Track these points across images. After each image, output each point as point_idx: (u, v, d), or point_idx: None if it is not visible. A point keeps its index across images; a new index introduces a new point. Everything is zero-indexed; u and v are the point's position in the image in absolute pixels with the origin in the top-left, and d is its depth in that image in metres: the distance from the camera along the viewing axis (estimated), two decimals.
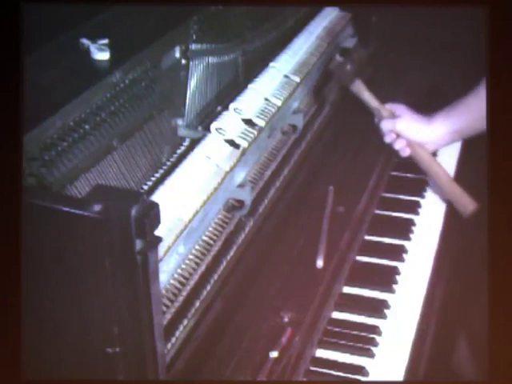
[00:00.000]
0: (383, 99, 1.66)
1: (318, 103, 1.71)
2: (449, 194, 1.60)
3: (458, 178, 1.65)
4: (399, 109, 1.63)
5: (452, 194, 1.59)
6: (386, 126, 1.62)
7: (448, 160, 1.76)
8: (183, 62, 1.35)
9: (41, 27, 1.16)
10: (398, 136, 1.61)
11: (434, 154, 1.68)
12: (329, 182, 1.56)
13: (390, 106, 1.64)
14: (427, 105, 1.94)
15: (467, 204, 1.54)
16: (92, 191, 0.89)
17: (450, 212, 1.66)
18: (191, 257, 1.20)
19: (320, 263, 1.37)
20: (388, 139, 1.63)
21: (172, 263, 1.14)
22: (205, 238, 1.25)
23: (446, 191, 1.61)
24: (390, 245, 1.55)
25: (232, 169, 1.29)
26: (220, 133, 1.33)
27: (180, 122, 1.37)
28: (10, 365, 0.88)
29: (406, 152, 1.62)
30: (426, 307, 1.43)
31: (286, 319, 1.24)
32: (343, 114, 1.77)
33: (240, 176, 1.34)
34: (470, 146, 1.80)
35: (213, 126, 1.33)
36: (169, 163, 1.33)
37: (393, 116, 1.62)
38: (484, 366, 1.01)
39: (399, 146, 1.62)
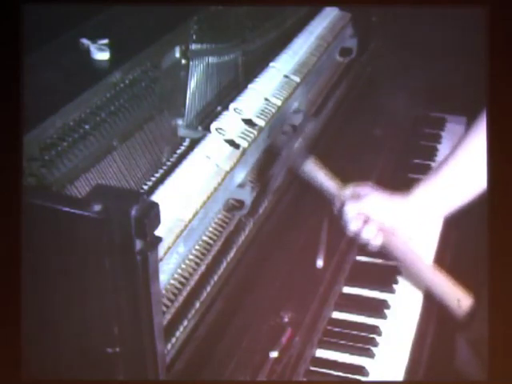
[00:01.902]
0: (383, 99, 1.66)
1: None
2: (434, 289, 1.33)
3: None
4: (365, 189, 1.36)
5: (438, 288, 1.31)
6: (349, 210, 1.34)
7: None
8: (183, 61, 1.35)
9: (41, 27, 1.16)
10: (366, 222, 1.34)
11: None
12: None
13: (352, 188, 1.37)
14: (426, 106, 1.94)
15: (460, 299, 1.27)
16: (92, 191, 0.89)
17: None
18: (191, 257, 1.20)
19: (320, 263, 1.37)
20: (353, 226, 1.34)
21: (172, 263, 1.14)
22: (205, 237, 1.25)
23: (431, 286, 1.34)
24: None
25: (232, 169, 1.29)
26: (220, 133, 1.33)
27: (180, 121, 1.37)
28: (10, 365, 0.88)
29: (377, 240, 1.34)
30: (426, 307, 1.43)
31: (286, 319, 1.24)
32: (343, 114, 1.77)
33: (240, 176, 1.34)
34: None
35: (213, 126, 1.33)
36: (169, 163, 1.33)
37: (357, 198, 1.35)
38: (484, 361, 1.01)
39: (369, 233, 1.34)
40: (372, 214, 1.33)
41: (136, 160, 1.23)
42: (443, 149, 1.85)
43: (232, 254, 1.28)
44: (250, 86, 1.46)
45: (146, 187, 1.25)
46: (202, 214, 1.20)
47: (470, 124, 1.66)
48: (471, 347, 1.68)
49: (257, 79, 1.48)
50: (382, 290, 1.43)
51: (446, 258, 1.59)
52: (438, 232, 1.61)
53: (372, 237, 1.34)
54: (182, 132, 1.38)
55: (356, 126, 1.74)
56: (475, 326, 1.29)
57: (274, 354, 1.17)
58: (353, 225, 1.34)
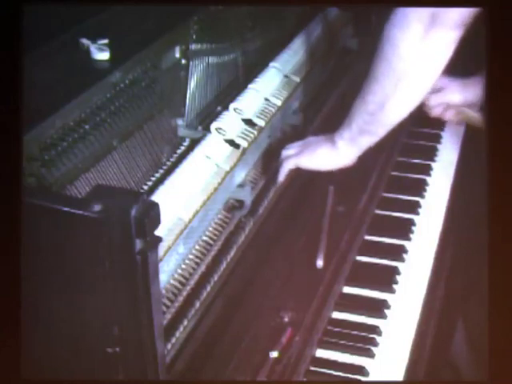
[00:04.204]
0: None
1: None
2: None
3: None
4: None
5: None
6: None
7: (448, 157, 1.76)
8: (183, 61, 1.35)
9: (41, 27, 1.16)
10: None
11: None
12: (329, 182, 1.56)
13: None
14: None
15: None
16: (92, 191, 0.89)
17: (449, 212, 1.66)
18: (191, 257, 1.20)
19: (320, 263, 1.37)
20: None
21: (172, 263, 1.14)
22: (205, 237, 1.25)
23: None
24: (390, 245, 1.55)
25: (232, 169, 1.29)
26: (220, 133, 1.33)
27: (180, 121, 1.37)
28: (10, 364, 0.88)
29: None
30: (426, 307, 1.43)
31: (286, 319, 1.24)
32: (343, 114, 1.76)
33: (240, 176, 1.34)
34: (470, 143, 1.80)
35: (213, 126, 1.33)
36: (169, 163, 1.33)
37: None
38: (482, 359, 1.01)
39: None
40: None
41: (136, 160, 1.23)
42: (443, 149, 1.85)
43: (232, 254, 1.28)
44: (249, 85, 1.46)
45: (146, 187, 1.25)
46: (202, 214, 1.20)
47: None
48: (467, 339, 1.68)
49: (257, 79, 1.48)
50: (382, 290, 1.43)
51: (446, 258, 1.59)
52: (438, 232, 1.61)
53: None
54: (181, 132, 1.38)
55: None
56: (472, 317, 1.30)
57: (274, 354, 1.17)
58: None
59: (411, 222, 1.61)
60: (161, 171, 1.30)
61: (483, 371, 1.03)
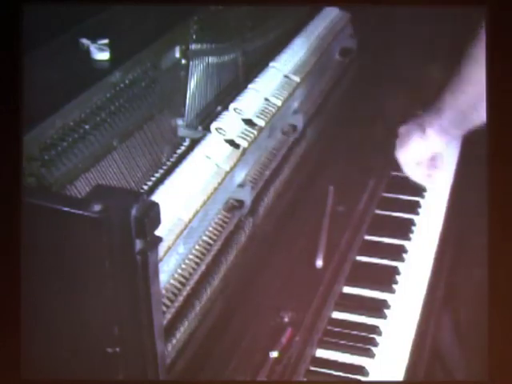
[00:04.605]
0: (383, 99, 1.66)
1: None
2: None
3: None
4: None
5: None
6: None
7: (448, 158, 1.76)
8: (183, 61, 1.35)
9: (41, 27, 1.16)
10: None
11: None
12: (329, 182, 1.56)
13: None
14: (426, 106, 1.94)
15: None
16: (92, 191, 0.89)
17: (449, 212, 1.66)
18: (191, 257, 1.20)
19: (319, 263, 1.37)
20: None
21: (172, 263, 1.14)
22: (205, 237, 1.25)
23: None
24: (390, 245, 1.55)
25: (232, 169, 1.29)
26: (220, 133, 1.33)
27: (180, 121, 1.37)
28: (10, 364, 0.88)
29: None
30: (426, 307, 1.43)
31: (286, 319, 1.24)
32: (343, 114, 1.77)
33: (240, 176, 1.34)
34: (470, 146, 1.80)
35: (213, 126, 1.33)
36: (169, 163, 1.33)
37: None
38: (473, 358, 1.01)
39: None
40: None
41: (136, 160, 1.23)
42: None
43: (232, 253, 1.28)
44: (250, 85, 1.46)
45: (146, 187, 1.25)
46: (202, 214, 1.20)
47: None
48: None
49: (257, 79, 1.48)
50: (382, 290, 1.43)
51: (446, 259, 1.59)
52: (438, 232, 1.61)
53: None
54: (181, 132, 1.38)
55: (356, 126, 1.74)
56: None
57: (274, 354, 1.17)
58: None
59: (411, 222, 1.61)
60: (161, 171, 1.30)
61: (473, 369, 1.03)
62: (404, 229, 1.59)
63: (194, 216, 1.17)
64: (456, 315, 1.78)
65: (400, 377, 1.28)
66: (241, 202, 1.32)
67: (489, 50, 1.06)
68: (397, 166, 1.75)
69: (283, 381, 1.17)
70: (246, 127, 1.37)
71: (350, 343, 1.31)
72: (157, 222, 0.88)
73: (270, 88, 1.48)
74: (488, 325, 0.98)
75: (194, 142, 1.33)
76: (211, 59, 1.42)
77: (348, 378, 1.26)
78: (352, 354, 1.30)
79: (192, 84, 1.38)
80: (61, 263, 0.88)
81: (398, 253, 1.52)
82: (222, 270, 1.25)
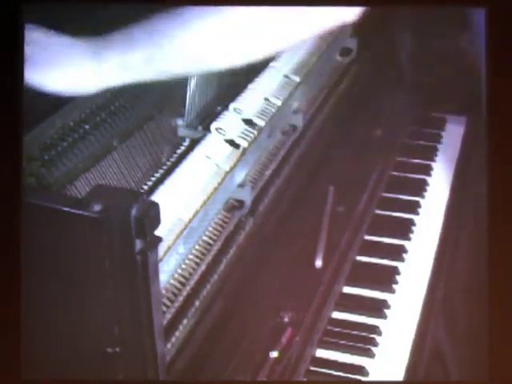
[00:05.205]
0: (383, 99, 1.66)
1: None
2: None
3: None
4: None
5: None
6: None
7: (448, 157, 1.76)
8: None
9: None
10: None
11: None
12: (329, 182, 1.56)
13: None
14: (426, 106, 1.94)
15: None
16: (92, 191, 0.89)
17: (449, 212, 1.66)
18: (191, 257, 1.20)
19: (319, 263, 1.37)
20: None
21: (172, 263, 1.14)
22: (205, 237, 1.25)
23: None
24: (390, 245, 1.55)
25: (232, 169, 1.29)
26: (220, 133, 1.33)
27: (180, 121, 1.37)
28: (10, 364, 0.88)
29: None
30: (426, 307, 1.43)
31: (286, 319, 1.24)
32: (343, 114, 1.77)
33: (240, 176, 1.34)
34: (469, 145, 1.80)
35: (213, 126, 1.33)
36: (169, 163, 1.32)
37: None
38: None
39: None
40: None
41: (136, 160, 1.23)
42: (443, 149, 1.85)
43: (232, 253, 1.28)
44: (250, 86, 1.46)
45: (146, 187, 1.25)
46: (202, 214, 1.20)
47: (469, 123, 1.66)
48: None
49: (257, 79, 1.48)
50: (382, 290, 1.43)
51: (446, 259, 1.59)
52: (438, 232, 1.61)
53: None
54: (181, 132, 1.38)
55: (356, 126, 1.74)
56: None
57: (274, 354, 1.17)
58: None
59: (411, 222, 1.61)
60: (161, 171, 1.30)
61: (473, 369, 1.03)
62: (404, 229, 1.59)
63: (194, 216, 1.17)
64: (456, 315, 1.78)
65: (400, 377, 1.28)
66: (241, 202, 1.32)
67: (489, 49, 1.06)
68: (397, 166, 1.75)
69: (283, 381, 1.17)
70: (246, 127, 1.37)
71: (350, 343, 1.31)
72: (157, 222, 0.88)
73: (270, 88, 1.48)
74: (488, 325, 0.98)
75: (194, 142, 1.33)
76: None
77: (348, 377, 1.26)
78: (352, 354, 1.30)
79: (192, 84, 1.38)
80: (61, 263, 0.88)
81: (397, 253, 1.52)
82: (222, 269, 1.25)
